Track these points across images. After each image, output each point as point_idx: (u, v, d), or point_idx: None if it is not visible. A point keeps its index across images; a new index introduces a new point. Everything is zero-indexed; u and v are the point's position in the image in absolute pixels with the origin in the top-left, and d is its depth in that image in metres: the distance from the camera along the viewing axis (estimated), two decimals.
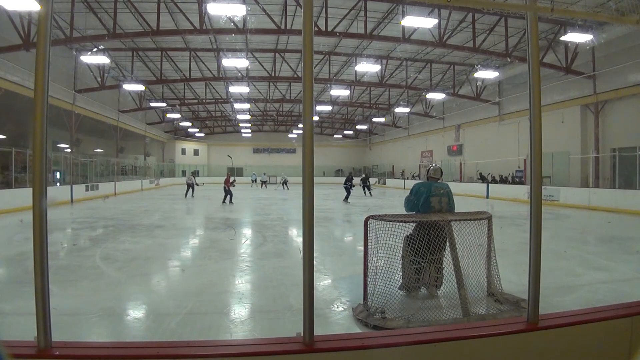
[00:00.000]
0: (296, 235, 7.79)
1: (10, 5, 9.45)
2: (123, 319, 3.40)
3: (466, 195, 19.14)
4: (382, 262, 3.44)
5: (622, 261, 5.57)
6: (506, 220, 10.35)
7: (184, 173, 37.33)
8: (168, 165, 35.78)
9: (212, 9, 10.76)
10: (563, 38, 12.69)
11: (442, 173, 4.18)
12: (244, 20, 12.64)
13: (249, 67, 18.16)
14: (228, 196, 15.01)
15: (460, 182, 22.06)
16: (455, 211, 3.94)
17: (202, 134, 38.65)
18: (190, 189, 19.03)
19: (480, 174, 21.14)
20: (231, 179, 15.40)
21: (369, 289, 3.41)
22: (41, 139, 1.49)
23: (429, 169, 4.21)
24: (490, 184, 19.01)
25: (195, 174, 22.12)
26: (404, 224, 3.57)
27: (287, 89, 24.33)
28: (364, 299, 3.46)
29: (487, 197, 18.53)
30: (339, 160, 40.99)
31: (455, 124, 25.02)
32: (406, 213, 3.95)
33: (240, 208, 14.32)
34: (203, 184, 26.68)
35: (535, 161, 1.87)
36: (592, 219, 11.21)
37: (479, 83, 20.32)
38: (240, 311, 3.57)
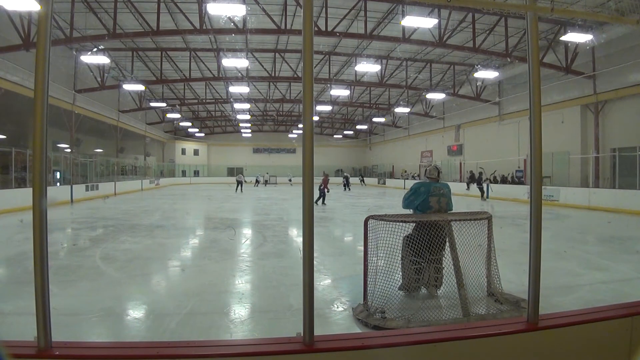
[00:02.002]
0: (296, 235, 7.79)
1: (10, 5, 9.44)
2: (123, 319, 3.40)
3: (466, 195, 19.13)
4: (382, 262, 3.44)
5: (622, 261, 5.57)
6: (506, 220, 10.35)
7: (184, 173, 37.43)
8: (168, 165, 35.80)
9: (212, 9, 10.76)
10: (563, 38, 12.70)
11: (439, 172, 4.12)
12: (244, 20, 12.64)
13: (249, 67, 18.15)
14: (321, 197, 14.84)
15: (460, 182, 22.06)
16: (456, 211, 3.94)
17: (202, 134, 38.65)
18: (240, 185, 23.24)
19: (471, 172, 20.80)
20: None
21: (369, 289, 3.41)
22: (41, 139, 1.49)
23: (427, 169, 4.20)
24: (490, 184, 18.98)
25: (242, 171, 26.77)
26: (404, 224, 3.57)
27: (287, 89, 24.33)
28: (364, 299, 3.45)
29: (487, 197, 18.53)
30: (339, 160, 40.96)
31: (455, 124, 25.02)
32: (406, 213, 3.94)
33: (240, 208, 14.33)
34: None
35: (535, 161, 1.87)
36: (592, 219, 11.20)
37: (479, 83, 20.31)
38: (240, 311, 3.57)
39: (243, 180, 23.98)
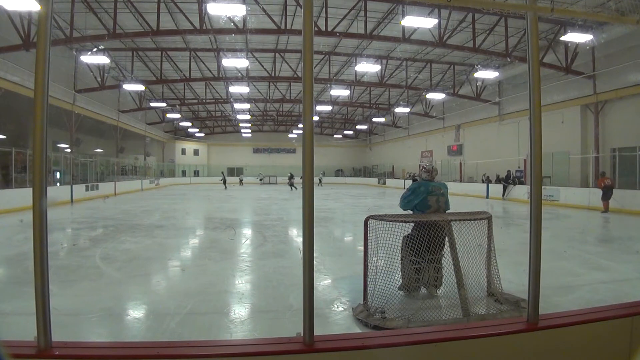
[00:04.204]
0: (296, 235, 7.79)
1: (10, 5, 9.44)
2: (123, 319, 3.40)
3: (466, 195, 19.15)
4: (382, 262, 3.44)
5: (622, 261, 5.57)
6: (506, 220, 10.35)
7: (184, 173, 37.48)
8: (168, 165, 35.79)
9: (212, 9, 10.75)
10: (563, 38, 12.68)
11: (436, 172, 4.18)
12: (244, 20, 12.63)
13: (249, 67, 18.14)
14: None
15: (460, 182, 22.06)
16: (456, 211, 3.94)
17: (202, 134, 38.63)
18: (224, 183, 28.27)
19: (498, 175, 20.36)
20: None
21: (369, 289, 3.41)
22: (41, 139, 1.49)
23: (427, 169, 4.21)
24: (490, 184, 18.97)
25: (225, 172, 32.80)
26: (404, 224, 3.57)
27: (287, 89, 24.32)
28: (364, 299, 3.45)
29: (487, 197, 18.53)
30: (339, 160, 40.97)
31: (455, 124, 25.01)
32: (405, 213, 3.94)
33: (240, 208, 14.33)
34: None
35: (535, 161, 1.87)
36: (592, 219, 11.19)
37: (479, 83, 20.30)
38: (240, 311, 3.57)
39: (225, 178, 29.09)
